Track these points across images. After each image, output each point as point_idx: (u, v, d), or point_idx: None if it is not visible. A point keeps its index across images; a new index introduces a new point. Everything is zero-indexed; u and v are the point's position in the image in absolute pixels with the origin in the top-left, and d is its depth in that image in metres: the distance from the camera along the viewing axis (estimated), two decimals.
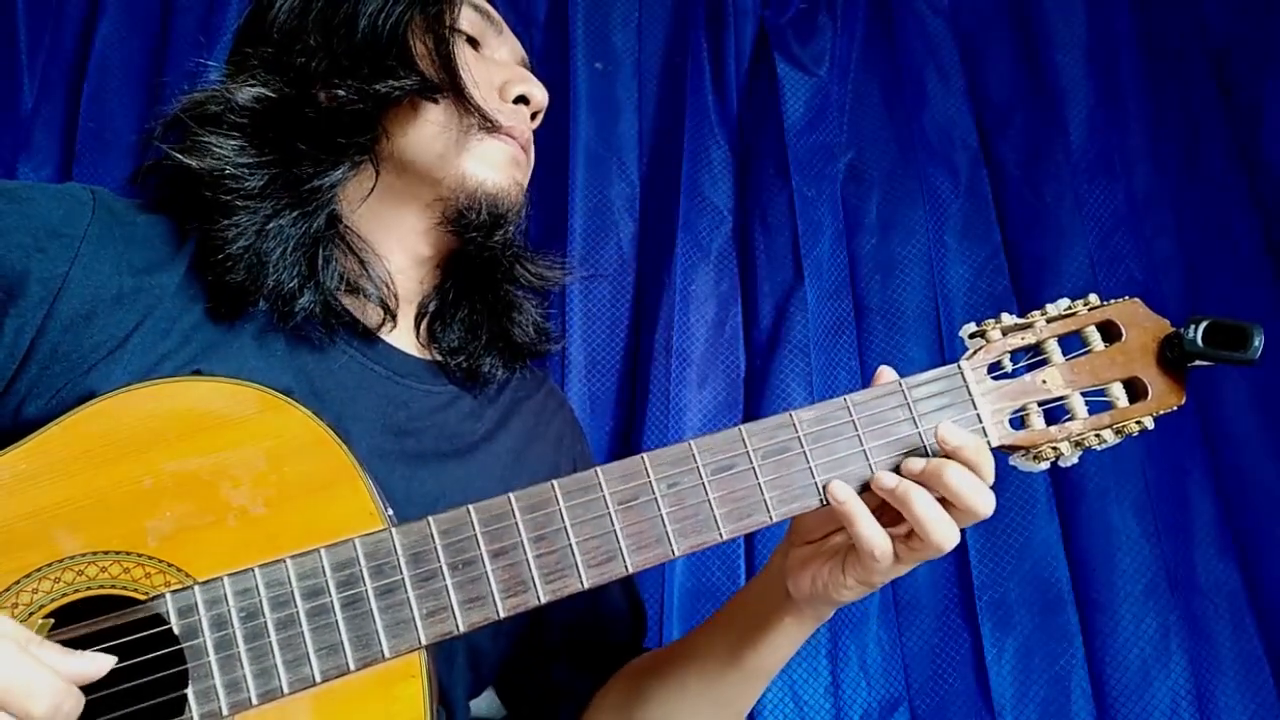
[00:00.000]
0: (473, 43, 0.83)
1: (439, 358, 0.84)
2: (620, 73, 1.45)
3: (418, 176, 0.79)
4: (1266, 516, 1.26)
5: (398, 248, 0.81)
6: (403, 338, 0.82)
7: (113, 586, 0.57)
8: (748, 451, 0.65)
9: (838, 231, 1.41)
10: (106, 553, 0.58)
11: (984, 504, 0.64)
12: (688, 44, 1.44)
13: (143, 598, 0.57)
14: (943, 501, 0.65)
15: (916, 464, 0.66)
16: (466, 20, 0.82)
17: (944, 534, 0.64)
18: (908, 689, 1.25)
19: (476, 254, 0.82)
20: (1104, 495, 1.27)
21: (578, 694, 0.88)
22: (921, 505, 0.64)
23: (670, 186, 1.40)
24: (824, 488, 0.66)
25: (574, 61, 1.40)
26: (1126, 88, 1.44)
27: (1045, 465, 0.70)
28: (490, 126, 0.78)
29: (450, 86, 0.77)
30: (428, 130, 0.77)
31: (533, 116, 0.85)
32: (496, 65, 0.84)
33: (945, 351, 1.35)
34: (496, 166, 0.80)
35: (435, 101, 0.77)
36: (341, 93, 0.74)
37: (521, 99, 0.83)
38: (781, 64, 1.42)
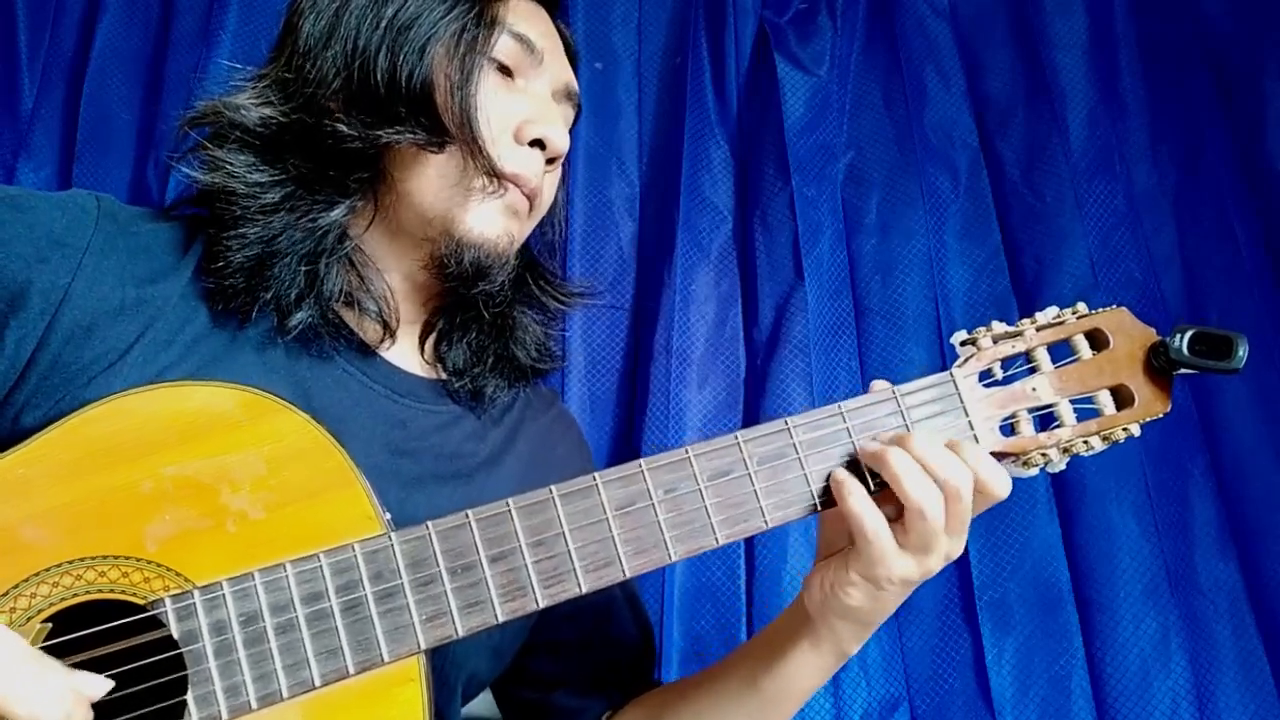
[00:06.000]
0: (506, 70, 0.78)
1: (443, 376, 0.83)
2: (620, 73, 1.45)
3: (414, 214, 0.76)
4: (1266, 516, 1.26)
5: (398, 273, 0.80)
6: (405, 356, 0.81)
7: (111, 591, 0.57)
8: (744, 458, 0.66)
9: (838, 232, 1.41)
10: (105, 557, 0.58)
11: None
12: (688, 44, 1.44)
13: (142, 602, 0.57)
14: None
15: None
16: (503, 48, 0.77)
17: (919, 489, 0.64)
18: (908, 689, 1.25)
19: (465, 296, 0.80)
20: (1104, 495, 1.27)
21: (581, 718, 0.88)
22: (896, 459, 0.65)
23: (670, 186, 1.39)
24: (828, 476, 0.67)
25: None
26: (1126, 88, 1.43)
27: (1034, 471, 0.72)
28: (492, 187, 0.75)
29: (458, 134, 0.73)
30: (428, 174, 0.75)
31: (550, 161, 0.80)
32: (524, 99, 0.78)
33: (945, 352, 1.35)
34: (488, 217, 0.76)
35: (439, 151, 0.74)
36: (344, 128, 0.72)
37: (538, 143, 0.78)
38: (781, 64, 1.41)
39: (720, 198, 1.41)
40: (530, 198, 0.78)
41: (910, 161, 1.42)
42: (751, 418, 1.31)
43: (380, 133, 0.72)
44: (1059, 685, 1.23)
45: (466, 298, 0.81)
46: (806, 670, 0.75)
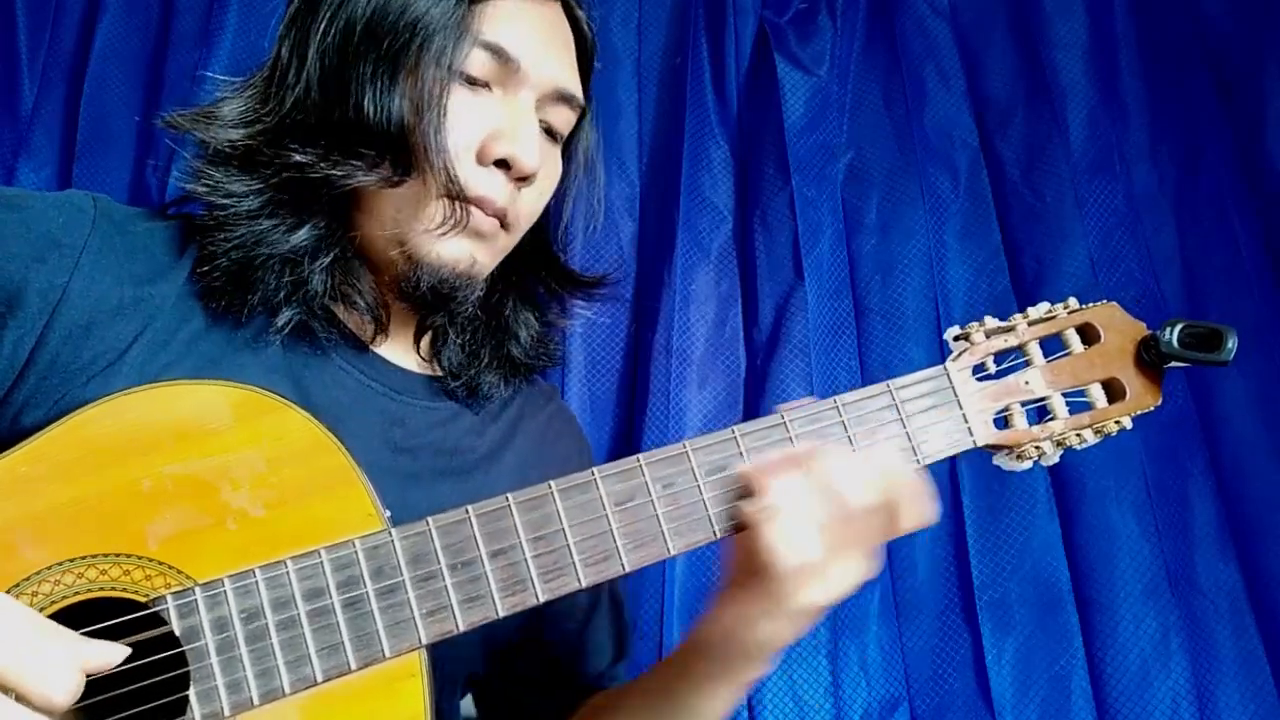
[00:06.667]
0: (480, 82, 0.74)
1: (439, 373, 0.82)
2: (620, 73, 1.45)
3: (377, 235, 0.75)
4: (1266, 516, 1.26)
5: (386, 282, 0.78)
6: (400, 353, 0.81)
7: (113, 589, 0.57)
8: (741, 452, 0.66)
9: (838, 231, 1.41)
10: (106, 555, 0.58)
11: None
12: (688, 44, 1.44)
13: (143, 600, 0.57)
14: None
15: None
16: (474, 61, 0.73)
17: (791, 529, 0.62)
18: (908, 689, 1.26)
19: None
20: (1104, 495, 1.27)
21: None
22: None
23: (670, 186, 1.40)
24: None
25: None
26: (1126, 88, 1.44)
27: (1028, 464, 0.72)
28: (453, 219, 0.72)
29: (417, 163, 0.71)
30: (387, 203, 0.73)
31: (522, 180, 0.75)
32: (494, 112, 0.74)
33: (945, 352, 1.35)
34: (449, 242, 0.73)
35: (397, 185, 0.72)
36: (301, 159, 0.71)
37: (503, 163, 0.74)
38: (781, 64, 1.41)
39: (720, 198, 1.41)
40: (499, 218, 0.75)
41: (910, 161, 1.43)
42: (751, 418, 1.30)
43: (336, 172, 0.70)
44: (1059, 685, 1.23)
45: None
46: (706, 702, 0.72)
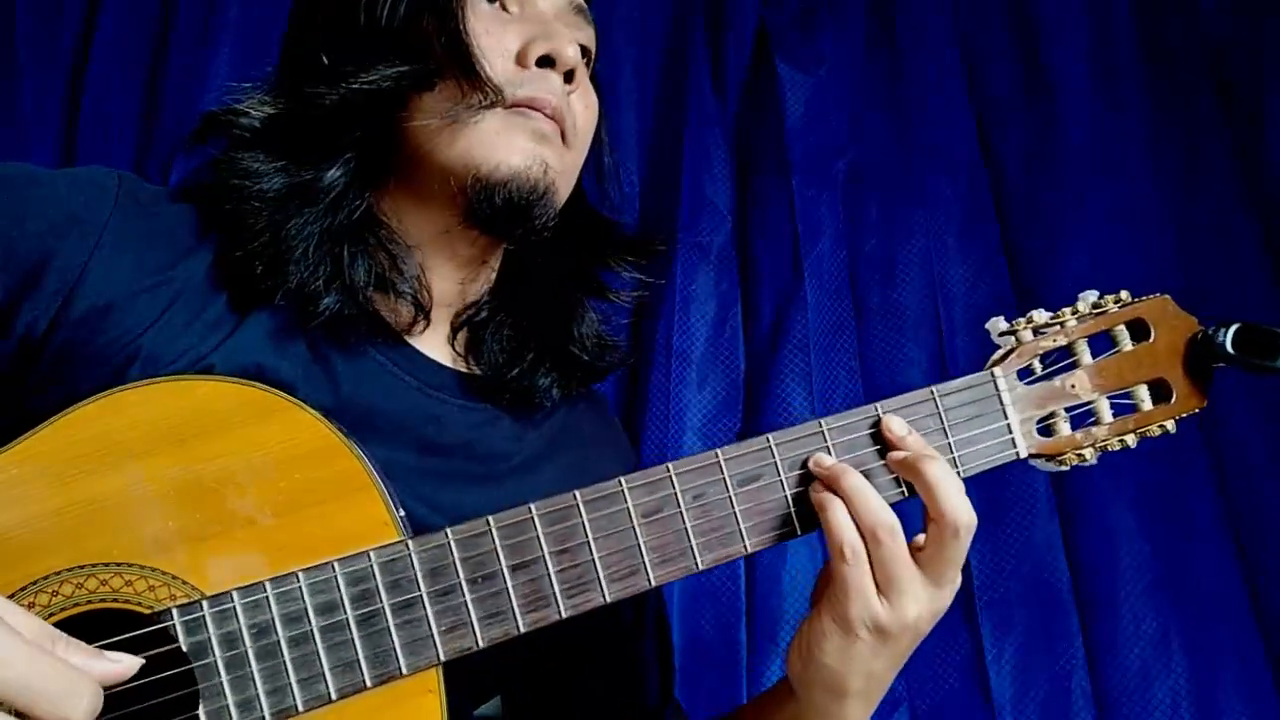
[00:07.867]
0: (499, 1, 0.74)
1: (476, 371, 0.79)
2: (620, 73, 1.44)
3: (432, 169, 0.71)
4: (1267, 517, 1.26)
5: (433, 247, 0.75)
6: (436, 346, 0.77)
7: (114, 600, 0.55)
8: (775, 462, 0.63)
9: (838, 231, 1.41)
10: (106, 564, 0.55)
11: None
12: (688, 44, 1.44)
13: (146, 612, 0.55)
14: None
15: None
16: None
17: (875, 512, 0.61)
18: (908, 689, 1.25)
19: (520, 249, 0.76)
20: (1104, 495, 1.28)
21: None
22: (849, 479, 0.62)
23: (670, 186, 1.39)
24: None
25: None
26: (1126, 88, 1.44)
27: (1066, 467, 0.70)
28: (492, 96, 0.69)
29: (450, 65, 0.69)
30: (428, 116, 0.70)
31: (568, 78, 0.73)
32: (521, 23, 0.73)
33: (945, 351, 1.35)
34: (508, 146, 0.70)
35: (431, 88, 0.69)
36: (325, 89, 0.69)
37: (546, 60, 0.72)
38: (781, 64, 1.41)
39: (720, 198, 1.41)
40: (556, 119, 0.73)
41: (910, 161, 1.43)
42: (751, 418, 1.30)
43: (358, 83, 0.68)
44: (1059, 685, 1.23)
45: (524, 253, 0.77)
46: None
